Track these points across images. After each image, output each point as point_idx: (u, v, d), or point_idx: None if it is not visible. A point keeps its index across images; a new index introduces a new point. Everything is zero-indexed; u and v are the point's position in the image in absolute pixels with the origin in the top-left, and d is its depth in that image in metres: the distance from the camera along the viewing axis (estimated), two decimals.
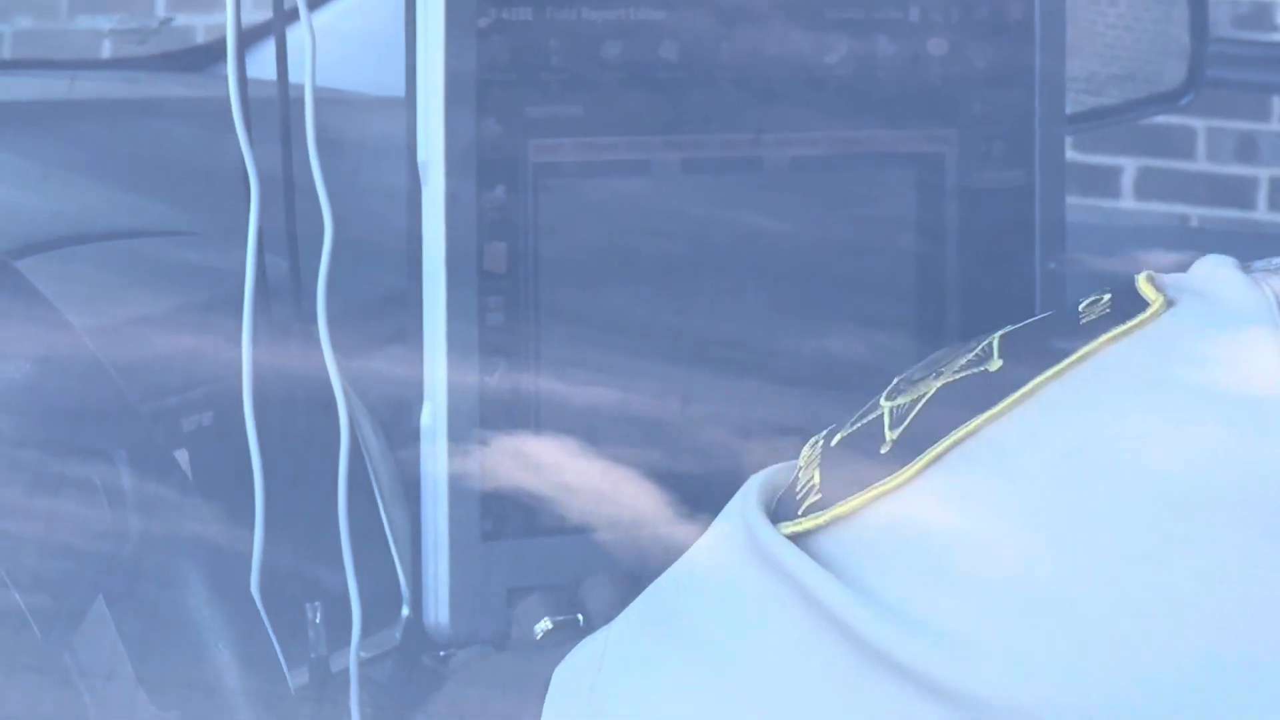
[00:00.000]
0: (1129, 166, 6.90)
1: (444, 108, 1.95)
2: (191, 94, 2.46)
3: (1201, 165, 6.97)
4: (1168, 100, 2.98)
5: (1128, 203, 6.91)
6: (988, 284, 2.11)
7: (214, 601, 1.96)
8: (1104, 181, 6.88)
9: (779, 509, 1.45)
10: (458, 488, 1.96)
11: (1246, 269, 1.40)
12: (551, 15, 1.99)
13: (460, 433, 1.96)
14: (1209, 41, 2.94)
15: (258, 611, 1.98)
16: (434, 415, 1.96)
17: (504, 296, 1.98)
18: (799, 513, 1.42)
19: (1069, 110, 2.33)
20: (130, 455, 1.92)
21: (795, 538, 1.41)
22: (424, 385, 1.97)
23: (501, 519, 1.97)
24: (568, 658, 1.53)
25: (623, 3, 2.01)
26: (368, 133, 2.07)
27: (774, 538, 1.42)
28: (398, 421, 2.03)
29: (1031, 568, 1.37)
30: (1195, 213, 6.86)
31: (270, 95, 2.03)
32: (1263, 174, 6.86)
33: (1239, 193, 6.96)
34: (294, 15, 2.03)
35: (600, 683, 1.50)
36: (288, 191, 2.04)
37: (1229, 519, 1.34)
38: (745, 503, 1.46)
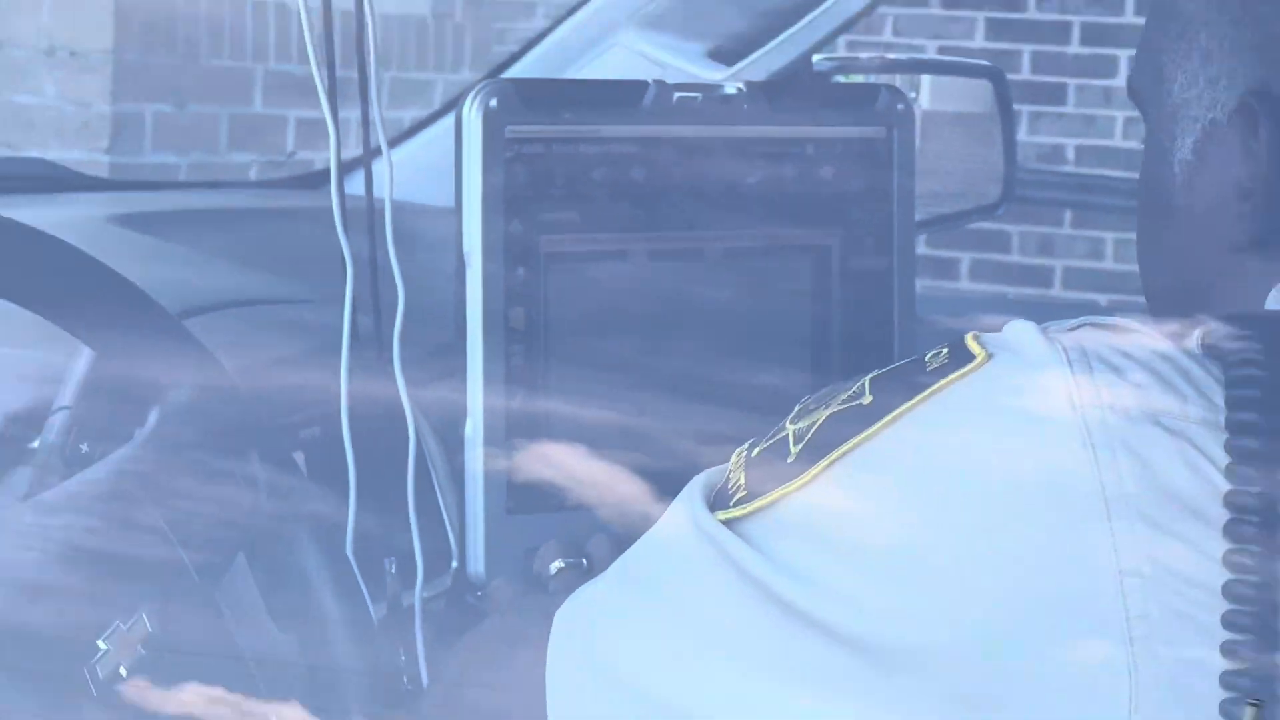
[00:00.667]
0: (964, 258, 6.93)
1: (481, 214, 1.95)
2: (309, 205, 2.44)
3: (1015, 257, 7.00)
4: (989, 211, 2.95)
5: (964, 284, 6.95)
6: (862, 338, 2.11)
7: (320, 557, 1.96)
8: (947, 268, 6.91)
9: (715, 500, 1.44)
10: (490, 477, 1.96)
11: (1044, 329, 1.39)
12: (556, 150, 1.99)
13: (492, 439, 1.96)
14: (1017, 170, 2.92)
15: (351, 565, 1.98)
16: (474, 427, 1.95)
17: (523, 345, 1.97)
18: (730, 504, 1.42)
19: (920, 217, 2.32)
20: (260, 455, 1.91)
21: (727, 522, 1.41)
22: (467, 407, 1.95)
23: (521, 499, 1.96)
24: (566, 602, 1.52)
25: (605, 141, 2.01)
26: (429, 231, 2.05)
27: (711, 522, 1.41)
28: (449, 432, 2.02)
29: (899, 543, 1.37)
30: (1011, 290, 6.91)
31: (363, 206, 2.03)
32: (1058, 264, 6.92)
33: (1041, 276, 6.99)
34: (378, 152, 2.04)
35: (588, 623, 1.50)
36: (373, 272, 2.04)
37: (1029, 506, 1.33)
38: (691, 494, 1.46)
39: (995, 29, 6.91)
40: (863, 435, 1.38)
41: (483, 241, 1.96)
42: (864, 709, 1.35)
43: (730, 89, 2.11)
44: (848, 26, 2.68)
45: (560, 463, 1.95)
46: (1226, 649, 1.28)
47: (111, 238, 2.40)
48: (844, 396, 1.41)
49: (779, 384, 2.02)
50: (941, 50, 6.85)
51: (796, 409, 1.45)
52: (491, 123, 1.96)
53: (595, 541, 1.87)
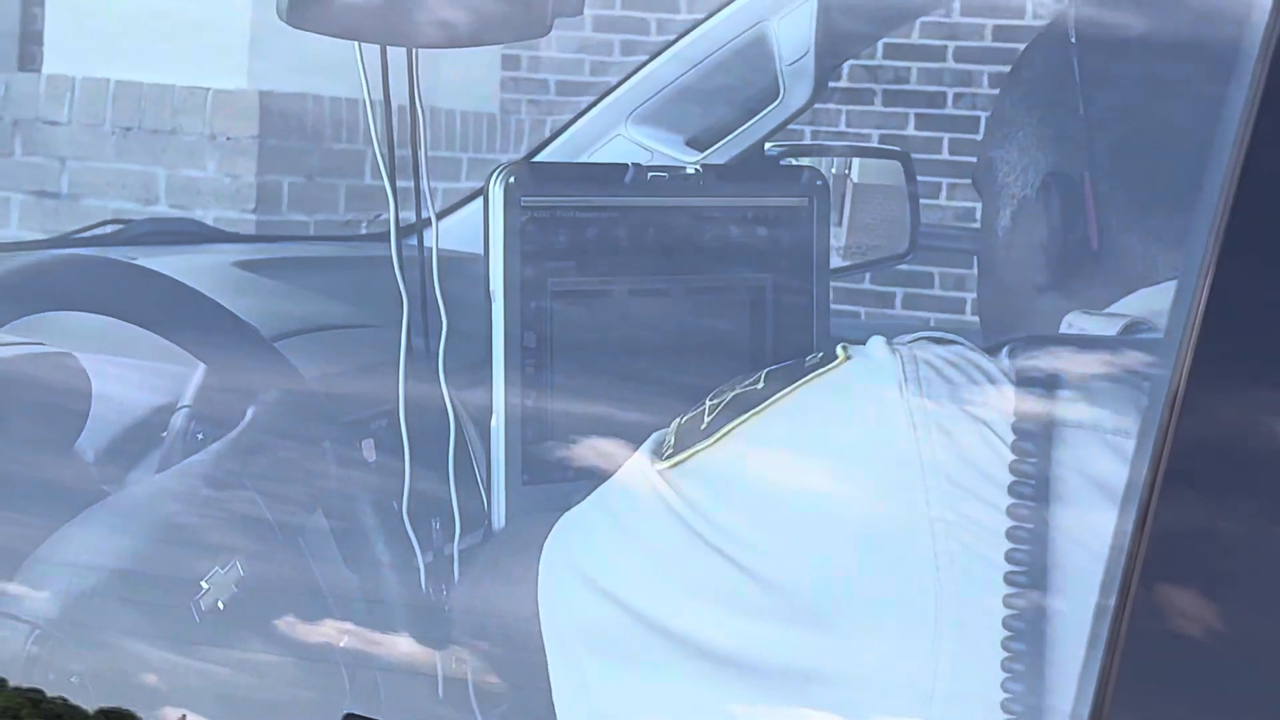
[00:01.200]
0: (899, 291, 6.89)
1: (503, 262, 1.95)
2: (379, 254, 2.43)
3: (936, 291, 6.97)
4: (901, 258, 2.95)
5: (899, 311, 6.92)
6: (787, 352, 2.11)
7: (380, 517, 1.96)
8: (885, 299, 6.87)
9: (657, 453, 1.46)
10: (509, 457, 1.96)
11: (891, 342, 1.41)
12: (559, 215, 2.00)
13: (511, 429, 1.96)
14: (920, 227, 2.91)
15: (405, 523, 1.98)
16: (498, 420, 1.95)
17: (534, 360, 1.98)
18: (663, 457, 1.44)
19: (853, 262, 2.33)
20: (331, 441, 1.92)
21: (661, 471, 1.43)
22: (493, 405, 1.96)
23: (533, 473, 1.97)
24: (557, 524, 1.54)
25: (596, 208, 2.02)
26: (467, 273, 2.05)
27: (651, 470, 1.43)
28: (481, 422, 2.02)
29: (772, 493, 1.38)
30: (933, 316, 6.87)
31: (417, 255, 2.04)
32: (968, 295, 6.87)
33: (956, 305, 6.95)
34: (428, 222, 2.05)
35: (569, 537, 1.52)
36: (423, 304, 2.04)
37: (867, 469, 1.35)
38: (644, 448, 1.48)
39: (922, 121, 6.91)
40: (754, 411, 1.40)
41: (504, 282, 1.97)
42: (750, 624, 1.36)
43: (690, 170, 2.12)
44: (787, 124, 2.68)
45: (561, 446, 1.96)
46: (1009, 579, 1.29)
47: (232, 277, 2.41)
48: (747, 383, 1.44)
49: (722, 384, 2.05)
50: (882, 137, 6.84)
51: (715, 391, 1.47)
52: (510, 195, 1.97)
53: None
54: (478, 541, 2.06)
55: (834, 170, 3.36)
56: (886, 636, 1.31)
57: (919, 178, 2.91)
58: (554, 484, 1.97)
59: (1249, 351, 1.06)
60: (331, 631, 1.78)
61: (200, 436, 1.92)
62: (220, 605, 1.67)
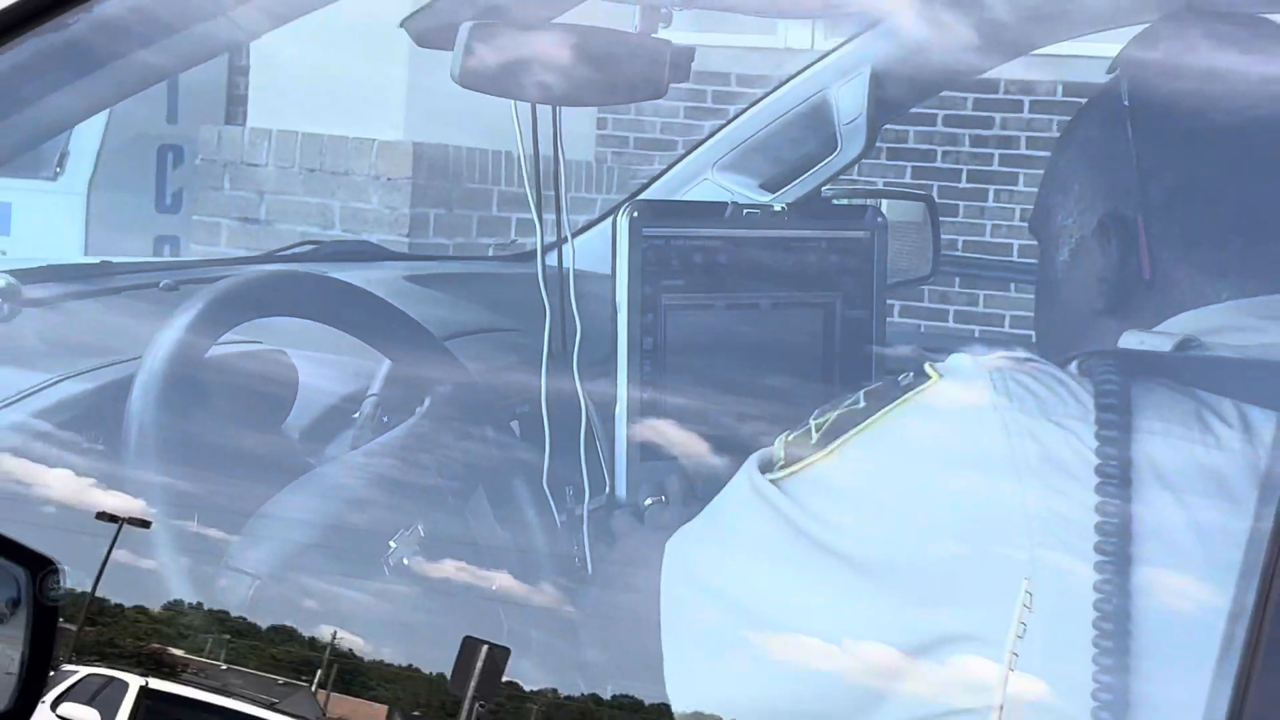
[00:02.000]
0: (950, 309, 6.54)
1: (626, 280, 1.82)
2: (522, 271, 2.29)
3: (979, 309, 6.61)
4: (923, 280, 2.80)
5: (950, 324, 6.54)
6: (851, 357, 1.98)
7: (526, 485, 1.83)
8: (940, 314, 6.54)
9: (764, 468, 1.30)
10: (629, 438, 1.83)
11: (975, 358, 1.26)
12: (672, 243, 1.88)
13: (631, 416, 1.83)
14: (940, 256, 2.76)
15: (546, 490, 1.85)
16: (620, 409, 1.83)
17: (651, 360, 1.85)
18: (775, 469, 1.29)
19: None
20: (491, 424, 1.79)
21: (774, 481, 1.28)
22: (617, 396, 1.82)
23: (646, 452, 1.83)
24: (673, 536, 1.39)
25: (701, 237, 1.89)
26: (596, 290, 1.92)
27: (762, 481, 1.28)
28: (606, 411, 1.88)
29: (880, 494, 1.24)
30: (978, 329, 6.49)
31: (556, 273, 1.91)
32: (1006, 313, 6.50)
33: (996, 320, 6.60)
34: (565, 239, 1.93)
35: (687, 549, 1.36)
36: (562, 313, 1.91)
37: (964, 473, 1.20)
38: (749, 465, 1.33)
39: (917, 172, 6.72)
40: (860, 427, 1.25)
41: (627, 297, 1.84)
42: (850, 604, 1.22)
43: (778, 208, 1.99)
44: (843, 173, 2.54)
45: (669, 431, 1.83)
46: (1099, 568, 1.14)
47: (404, 289, 2.28)
48: (848, 403, 1.29)
49: (801, 384, 1.92)
50: (885, 183, 6.65)
51: (816, 412, 1.32)
52: (634, 226, 1.84)
53: (669, 480, 1.75)
54: (602, 505, 1.93)
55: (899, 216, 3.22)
56: (984, 619, 1.16)
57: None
58: (661, 461, 1.85)
59: None
60: (488, 575, 1.64)
61: (385, 420, 1.79)
62: (405, 561, 1.54)
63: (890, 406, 1.24)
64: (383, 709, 1.28)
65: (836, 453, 1.24)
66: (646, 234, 1.86)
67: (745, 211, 1.95)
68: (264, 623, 1.37)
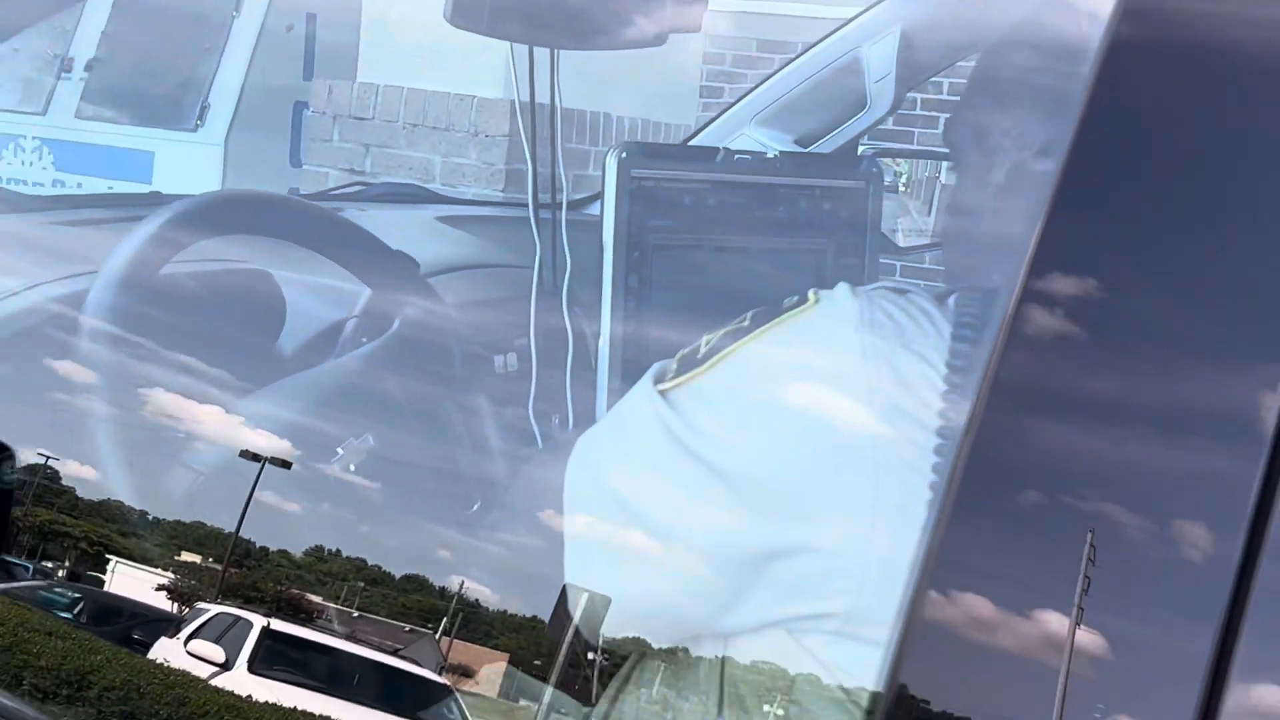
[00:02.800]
0: None
1: (614, 219, 1.86)
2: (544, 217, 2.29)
3: None
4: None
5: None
6: None
7: (499, 414, 1.88)
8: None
9: (659, 376, 1.35)
10: (612, 371, 1.87)
11: (854, 288, 1.30)
12: (662, 185, 1.90)
13: (614, 350, 1.87)
14: None
15: (530, 418, 1.90)
16: (604, 341, 1.88)
17: (635, 298, 1.89)
18: (666, 379, 1.33)
19: (931, 241, 2.19)
20: (460, 351, 1.84)
21: (662, 392, 1.32)
22: (601, 330, 1.87)
23: (628, 379, 1.87)
24: (580, 438, 1.44)
25: (691, 180, 1.92)
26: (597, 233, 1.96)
27: (652, 391, 1.33)
28: (592, 343, 1.92)
29: (749, 409, 1.27)
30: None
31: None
32: None
33: None
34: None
35: (587, 450, 1.41)
36: (554, 250, 1.96)
37: (823, 390, 1.23)
38: (647, 375, 1.37)
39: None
40: (738, 343, 1.29)
41: (614, 235, 1.88)
42: (714, 511, 1.26)
43: (770, 154, 2.01)
44: (874, 128, 2.54)
45: (652, 362, 1.87)
46: (930, 487, 1.17)
47: (431, 227, 2.35)
48: (736, 321, 1.32)
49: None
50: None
51: (712, 329, 1.36)
52: (623, 166, 1.88)
53: None
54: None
55: (928, 172, 3.20)
56: (831, 526, 1.19)
57: None
58: None
59: None
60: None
61: (364, 340, 1.86)
62: (351, 469, 1.60)
63: (766, 326, 1.28)
64: (504, 657, 1.33)
65: (714, 368, 1.28)
66: (635, 175, 1.90)
67: (737, 157, 1.98)
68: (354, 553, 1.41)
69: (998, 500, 0.96)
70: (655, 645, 1.32)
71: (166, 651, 1.31)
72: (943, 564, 0.95)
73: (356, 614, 1.38)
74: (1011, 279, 1.16)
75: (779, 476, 1.23)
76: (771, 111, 2.68)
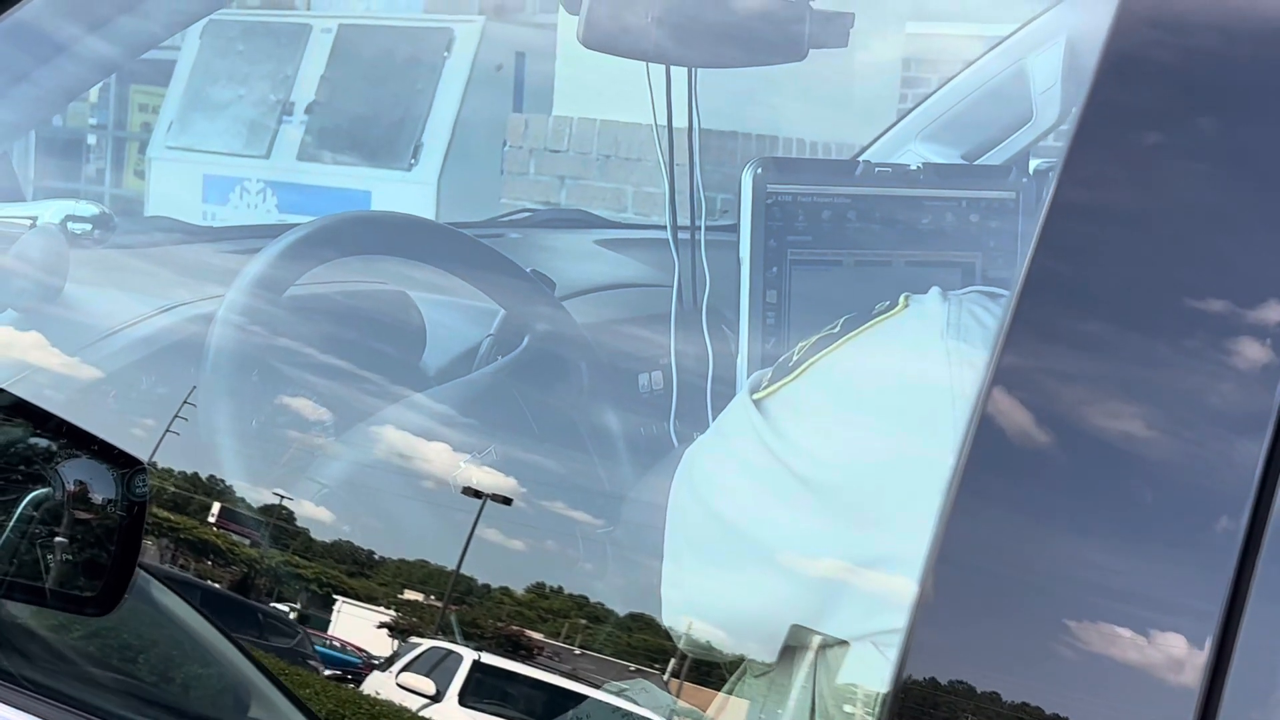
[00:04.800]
0: None
1: (750, 235, 1.84)
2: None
3: None
4: None
5: None
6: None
7: (642, 427, 1.88)
8: None
9: (754, 386, 1.33)
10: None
11: (944, 292, 1.26)
12: (799, 199, 1.87)
13: (751, 366, 1.84)
14: None
15: (672, 437, 1.89)
16: (742, 359, 1.85)
17: (774, 313, 1.87)
18: (760, 389, 1.31)
19: None
20: (588, 366, 1.84)
21: (756, 401, 1.30)
22: (739, 349, 1.85)
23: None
24: (693, 443, 1.42)
25: (830, 195, 1.89)
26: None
27: (747, 401, 1.31)
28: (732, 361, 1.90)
29: (838, 417, 1.24)
30: None
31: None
32: None
33: None
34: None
35: (690, 460, 1.40)
36: (694, 269, 1.95)
37: (910, 397, 1.20)
38: (747, 382, 1.35)
39: None
40: (828, 349, 1.26)
41: (750, 251, 1.86)
42: (803, 521, 1.23)
43: (914, 166, 1.96)
44: (1040, 140, 2.48)
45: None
46: None
47: (588, 249, 2.36)
48: (827, 327, 1.30)
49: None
50: None
51: (810, 338, 1.33)
52: (759, 182, 1.86)
53: None
54: None
55: None
56: (916, 537, 1.16)
57: None
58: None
59: None
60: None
61: (499, 359, 1.87)
62: (474, 483, 1.61)
63: (855, 332, 1.25)
64: (744, 703, 1.30)
65: (803, 376, 1.26)
66: (772, 190, 1.88)
67: (878, 169, 1.94)
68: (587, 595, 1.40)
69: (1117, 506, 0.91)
70: (753, 659, 1.29)
71: (378, 685, 1.32)
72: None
73: (578, 651, 1.36)
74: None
75: (862, 486, 1.20)
76: (937, 126, 2.63)
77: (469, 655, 1.30)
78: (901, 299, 1.25)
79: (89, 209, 1.64)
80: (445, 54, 6.83)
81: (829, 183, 1.92)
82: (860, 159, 1.95)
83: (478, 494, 1.46)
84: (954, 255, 1.96)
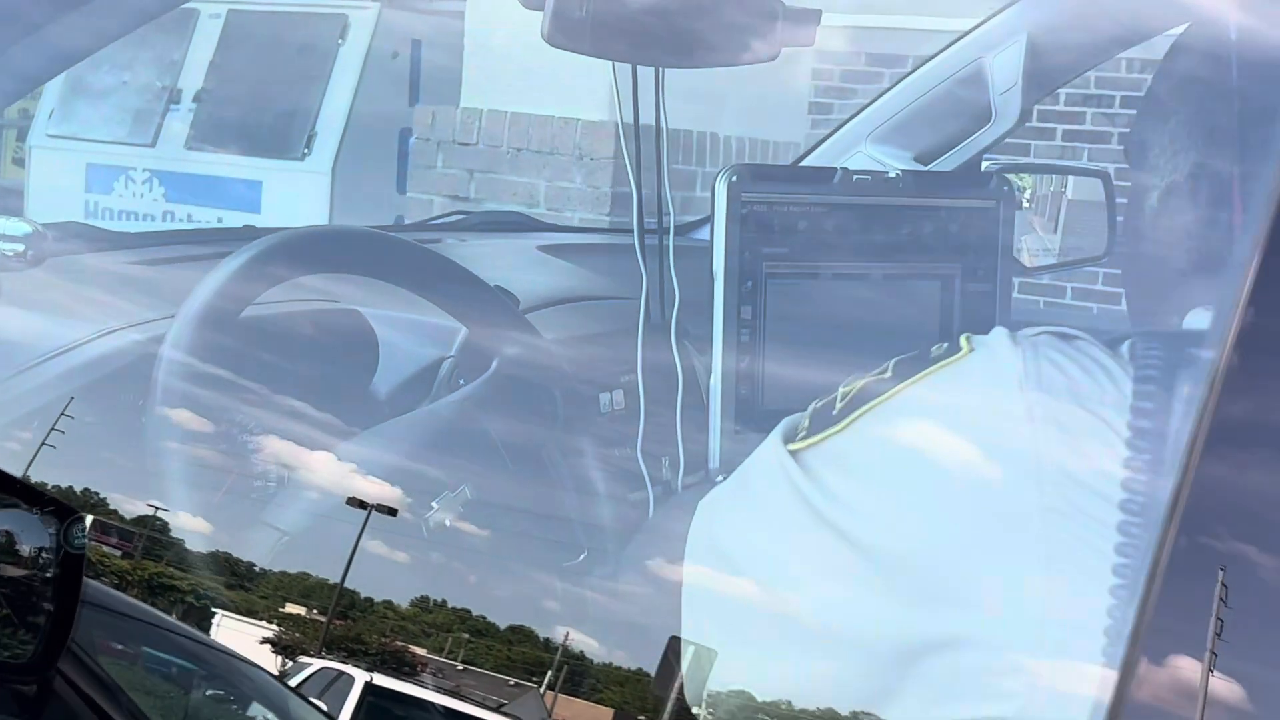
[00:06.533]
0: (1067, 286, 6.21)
1: (724, 247, 1.73)
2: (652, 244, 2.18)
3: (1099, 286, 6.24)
4: (1097, 259, 2.63)
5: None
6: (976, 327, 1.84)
7: (607, 456, 1.76)
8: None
9: (789, 434, 1.21)
10: (725, 410, 1.74)
11: (1015, 334, 1.15)
12: (774, 209, 1.78)
13: (726, 388, 1.74)
14: (1116, 232, 2.59)
15: (639, 461, 1.77)
16: (715, 380, 1.74)
17: (749, 330, 1.76)
18: (796, 439, 1.19)
19: (1056, 261, 2.06)
20: (563, 395, 1.72)
21: (793, 452, 1.18)
22: (713, 368, 1.74)
23: (744, 423, 1.74)
24: (705, 497, 1.31)
25: (806, 204, 1.79)
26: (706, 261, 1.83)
27: (782, 451, 1.19)
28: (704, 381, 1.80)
29: (896, 474, 1.13)
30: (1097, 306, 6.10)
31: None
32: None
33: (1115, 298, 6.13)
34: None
35: (710, 511, 1.28)
36: (661, 282, 1.84)
37: (984, 459, 1.09)
38: (776, 431, 1.24)
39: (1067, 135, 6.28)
40: (881, 398, 1.14)
41: (725, 264, 1.76)
42: (856, 594, 1.12)
43: (891, 174, 1.87)
44: (999, 143, 2.39)
45: (768, 403, 1.73)
46: (1117, 572, 1.02)
47: (533, 257, 2.24)
48: (876, 371, 1.18)
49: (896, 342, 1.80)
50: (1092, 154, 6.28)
51: (847, 379, 1.21)
52: (733, 191, 1.75)
53: None
54: (701, 479, 1.85)
55: (1052, 188, 3.06)
56: (991, 619, 1.05)
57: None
58: (759, 434, 1.75)
59: None
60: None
61: (461, 382, 1.74)
62: (447, 523, 1.49)
63: (915, 379, 1.14)
64: (609, 712, 1.25)
65: (854, 425, 1.15)
66: (746, 199, 1.77)
67: (856, 177, 1.85)
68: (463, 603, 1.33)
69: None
70: None
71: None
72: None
73: (461, 667, 1.27)
74: (1210, 319, 1.01)
75: (929, 555, 1.09)
76: (889, 127, 2.53)
77: (360, 676, 1.20)
78: (964, 342, 1.14)
79: (21, 227, 1.49)
80: (339, 41, 6.62)
81: (806, 191, 1.82)
82: (838, 166, 1.84)
83: (362, 504, 1.34)
84: (934, 266, 1.87)
